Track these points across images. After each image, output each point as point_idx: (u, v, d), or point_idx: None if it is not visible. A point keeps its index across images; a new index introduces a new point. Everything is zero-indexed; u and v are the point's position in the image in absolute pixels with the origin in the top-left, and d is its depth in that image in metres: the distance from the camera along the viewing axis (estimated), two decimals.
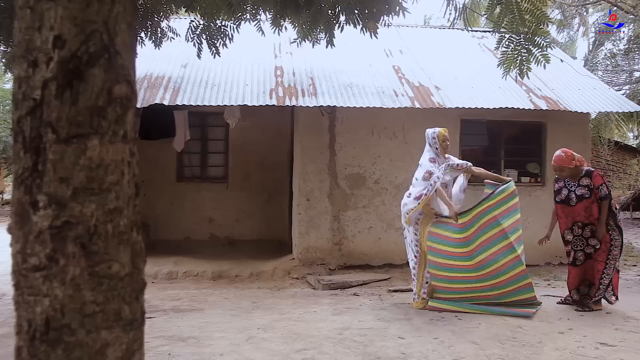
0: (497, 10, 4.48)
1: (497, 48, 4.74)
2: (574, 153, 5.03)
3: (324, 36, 5.06)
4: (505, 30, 4.46)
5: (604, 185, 4.94)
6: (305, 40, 5.36)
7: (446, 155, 5.12)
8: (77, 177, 1.19)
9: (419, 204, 4.90)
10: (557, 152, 5.08)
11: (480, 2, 15.69)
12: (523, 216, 7.44)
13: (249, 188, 8.90)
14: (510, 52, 4.55)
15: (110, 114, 1.23)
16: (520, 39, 4.45)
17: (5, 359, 3.10)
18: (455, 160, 5.17)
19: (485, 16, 5.07)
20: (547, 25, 4.56)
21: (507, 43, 4.54)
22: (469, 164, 5.21)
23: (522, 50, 4.50)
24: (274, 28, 5.32)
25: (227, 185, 8.97)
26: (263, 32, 5.66)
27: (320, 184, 7.13)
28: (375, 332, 4.10)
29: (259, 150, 8.88)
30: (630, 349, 3.70)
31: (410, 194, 5.04)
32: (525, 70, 4.61)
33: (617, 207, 5.22)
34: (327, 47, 5.07)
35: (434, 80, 7.63)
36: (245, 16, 5.12)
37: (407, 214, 4.99)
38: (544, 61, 4.53)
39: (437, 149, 5.04)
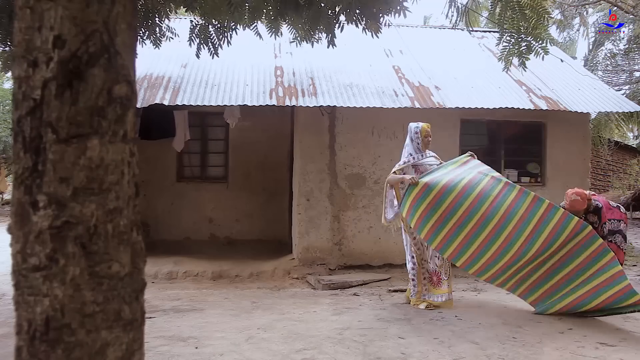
0: (498, 8, 4.53)
1: (498, 44, 4.82)
2: (585, 192, 4.87)
3: (324, 36, 5.06)
4: (507, 26, 4.52)
5: (607, 222, 4.82)
6: (305, 41, 5.35)
7: (427, 151, 5.17)
8: (77, 177, 1.19)
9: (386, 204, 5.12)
10: (573, 197, 4.81)
11: (480, 2, 15.69)
12: None
13: (249, 188, 8.90)
14: (511, 47, 4.64)
15: (110, 114, 1.23)
16: (521, 34, 4.52)
17: (5, 359, 3.10)
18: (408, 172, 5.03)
19: (488, 17, 5.13)
20: (547, 20, 4.64)
21: (508, 38, 4.63)
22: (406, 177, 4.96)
23: (522, 44, 4.59)
24: (271, 33, 5.33)
25: (227, 185, 8.97)
26: (261, 36, 5.65)
27: (320, 184, 7.13)
28: (375, 332, 4.10)
29: (259, 150, 8.88)
30: (630, 349, 3.70)
31: None
32: (523, 60, 4.72)
33: (625, 225, 5.05)
34: (328, 47, 5.07)
35: (434, 80, 7.63)
36: (245, 17, 5.11)
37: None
38: (542, 53, 4.63)
39: (418, 144, 5.10)
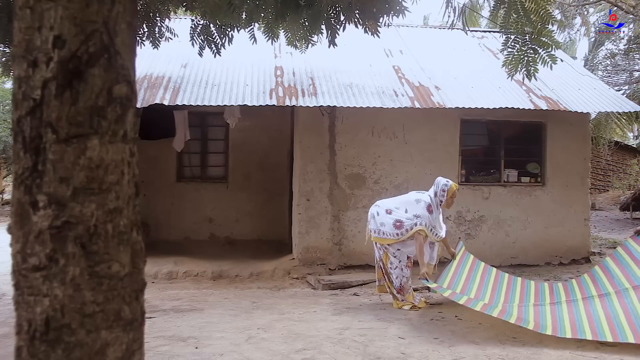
0: (502, 11, 4.45)
1: (503, 49, 4.64)
2: None
3: (325, 36, 5.06)
4: (511, 30, 4.41)
5: None
6: (304, 42, 5.35)
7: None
8: (77, 177, 1.19)
9: (399, 238, 5.00)
10: None
11: (478, 3, 15.65)
12: (523, 216, 7.52)
13: (249, 188, 8.90)
14: (517, 53, 4.47)
15: (110, 114, 1.23)
16: (526, 39, 4.39)
17: (5, 359, 3.10)
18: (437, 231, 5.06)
19: (490, 17, 5.03)
20: (553, 25, 4.49)
21: (512, 44, 4.47)
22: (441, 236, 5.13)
23: (528, 51, 4.42)
24: (268, 38, 5.33)
25: (227, 185, 8.97)
26: (256, 40, 5.64)
27: (320, 184, 7.13)
28: (375, 332, 4.10)
29: (259, 150, 8.88)
30: (630, 349, 3.70)
31: (398, 218, 5.05)
32: (532, 71, 4.50)
33: None
34: (329, 47, 5.06)
35: (434, 80, 7.63)
36: (243, 17, 5.10)
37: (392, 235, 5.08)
38: (550, 62, 4.44)
39: (441, 201, 4.99)
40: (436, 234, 5.01)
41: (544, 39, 4.36)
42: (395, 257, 5.11)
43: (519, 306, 4.67)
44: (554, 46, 4.43)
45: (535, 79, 4.70)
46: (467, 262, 5.27)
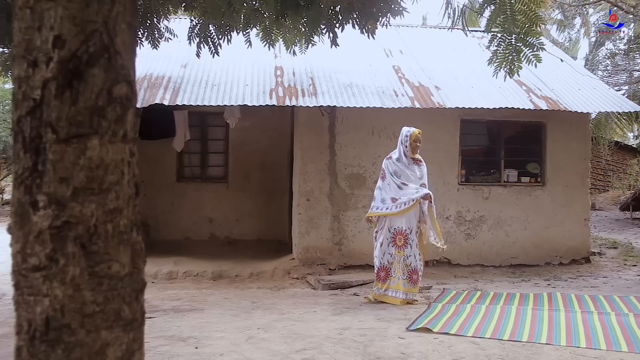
0: (491, 9, 4.53)
1: (488, 47, 4.82)
2: None
3: (327, 36, 5.06)
4: (497, 29, 4.52)
5: None
6: (304, 43, 5.36)
7: (417, 157, 5.24)
8: (77, 177, 1.19)
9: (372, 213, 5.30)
10: None
11: (478, 2, 15.65)
12: (523, 216, 7.52)
13: (249, 188, 8.91)
14: (502, 51, 4.62)
15: (110, 114, 1.23)
16: (512, 38, 4.50)
17: (5, 359, 3.10)
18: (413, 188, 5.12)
19: (479, 15, 5.11)
20: (539, 27, 4.62)
21: (498, 42, 4.62)
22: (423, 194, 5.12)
23: (512, 50, 4.60)
24: (265, 43, 5.36)
25: (227, 185, 8.97)
26: (251, 44, 5.66)
27: (320, 184, 7.13)
28: (375, 332, 4.10)
29: (259, 150, 8.88)
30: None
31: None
32: (515, 68, 4.69)
33: None
34: (331, 46, 5.07)
35: (434, 80, 7.63)
36: (240, 18, 5.10)
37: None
38: (535, 61, 4.61)
39: (406, 147, 5.14)
40: (400, 185, 5.12)
41: (530, 40, 4.47)
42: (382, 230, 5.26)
43: (517, 308, 4.69)
44: (539, 47, 4.54)
45: (518, 75, 4.88)
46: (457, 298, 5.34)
